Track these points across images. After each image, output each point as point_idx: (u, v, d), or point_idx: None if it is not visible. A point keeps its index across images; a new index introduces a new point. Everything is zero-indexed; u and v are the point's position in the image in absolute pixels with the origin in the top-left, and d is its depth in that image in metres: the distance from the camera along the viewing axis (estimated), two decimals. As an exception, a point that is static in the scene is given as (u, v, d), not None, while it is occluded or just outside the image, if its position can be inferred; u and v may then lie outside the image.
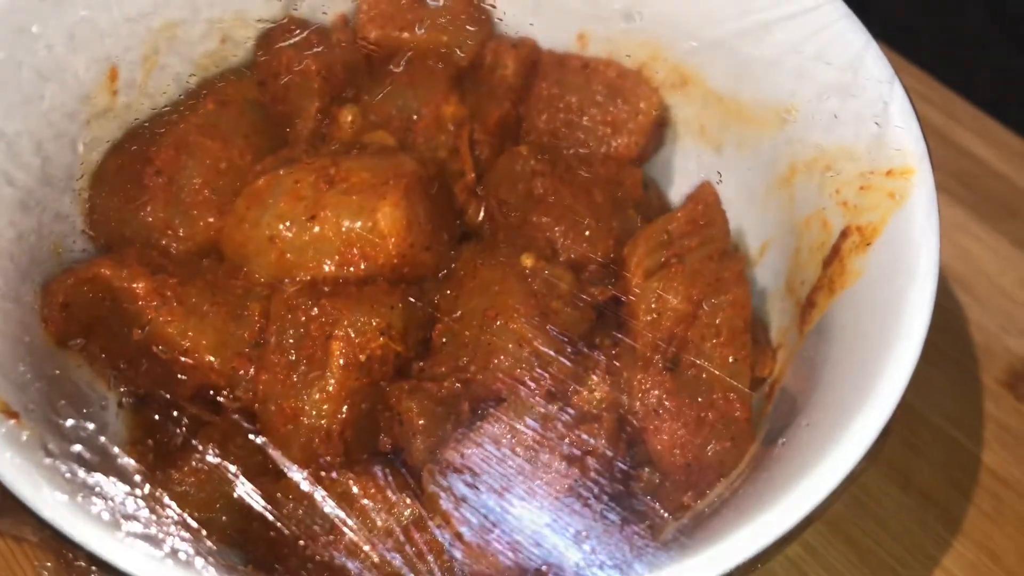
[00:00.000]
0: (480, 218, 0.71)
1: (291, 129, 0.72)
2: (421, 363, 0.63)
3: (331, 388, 0.59)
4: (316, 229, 0.63)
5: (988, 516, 0.68)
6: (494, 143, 0.73)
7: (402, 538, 0.55)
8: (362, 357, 0.60)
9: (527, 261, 0.65)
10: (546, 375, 0.60)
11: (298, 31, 0.74)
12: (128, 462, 0.60)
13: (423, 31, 0.74)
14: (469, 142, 0.72)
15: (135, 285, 0.60)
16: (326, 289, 0.62)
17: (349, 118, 0.71)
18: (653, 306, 0.62)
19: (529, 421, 0.60)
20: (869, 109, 0.59)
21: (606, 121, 0.74)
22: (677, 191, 0.77)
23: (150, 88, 0.69)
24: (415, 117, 0.72)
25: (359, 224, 0.62)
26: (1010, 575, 0.66)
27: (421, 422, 0.60)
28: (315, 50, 0.72)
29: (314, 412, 0.59)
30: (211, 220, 0.66)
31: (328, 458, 0.59)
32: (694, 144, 0.75)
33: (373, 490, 0.57)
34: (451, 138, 0.72)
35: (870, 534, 0.67)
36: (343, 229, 0.62)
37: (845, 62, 0.61)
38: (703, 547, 0.46)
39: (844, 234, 0.59)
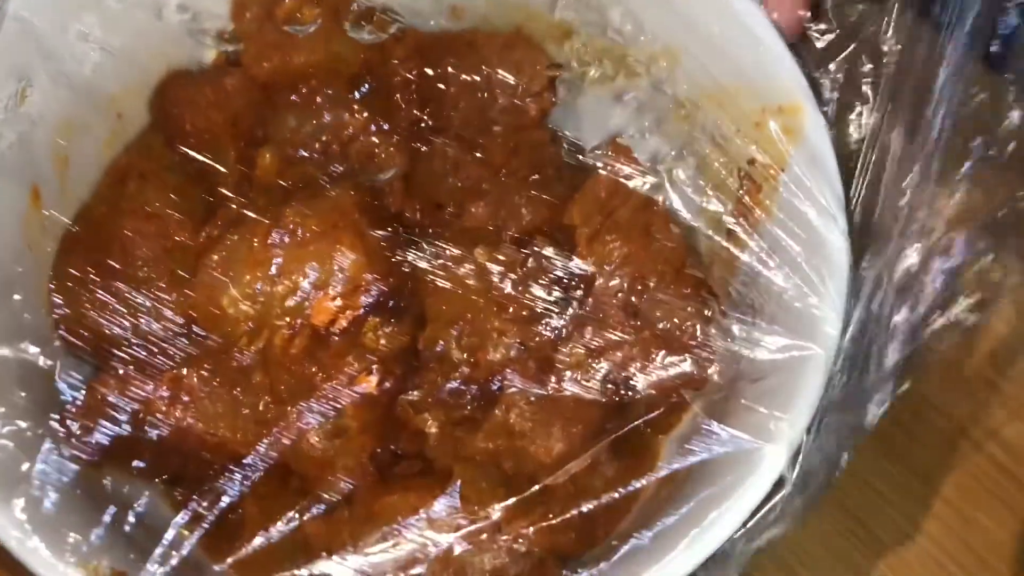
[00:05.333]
0: (419, 221, 0.75)
1: (214, 184, 0.74)
2: (416, 377, 0.70)
3: (350, 429, 0.65)
4: (285, 286, 0.66)
5: (919, 441, 0.76)
6: (408, 144, 0.76)
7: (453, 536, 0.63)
8: (371, 391, 0.66)
9: (480, 257, 0.70)
10: (532, 356, 0.68)
11: (188, 85, 0.74)
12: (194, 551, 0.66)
13: (312, 52, 0.75)
14: (386, 149, 0.75)
15: (143, 397, 0.64)
16: (313, 341, 0.67)
17: (267, 158, 0.73)
18: (602, 268, 0.70)
19: (528, 400, 0.68)
20: (754, 48, 0.65)
21: (507, 92, 0.78)
22: (585, 135, 0.82)
23: (70, 186, 0.70)
24: (327, 140, 0.74)
25: (324, 271, 0.66)
26: (940, 497, 0.74)
27: (435, 428, 0.68)
28: (212, 101, 0.73)
29: (343, 454, 0.65)
30: (178, 301, 0.68)
31: (367, 487, 0.66)
32: (590, 88, 0.80)
33: (418, 504, 0.64)
34: (367, 150, 0.75)
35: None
36: (310, 279, 0.66)
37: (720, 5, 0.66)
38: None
39: (750, 168, 0.67)
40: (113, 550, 0.55)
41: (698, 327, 0.70)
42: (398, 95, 0.76)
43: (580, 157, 0.82)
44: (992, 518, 0.76)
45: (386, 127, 0.75)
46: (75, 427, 0.57)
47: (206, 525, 0.65)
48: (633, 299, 0.70)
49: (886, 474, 0.77)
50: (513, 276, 0.70)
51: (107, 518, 0.55)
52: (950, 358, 0.78)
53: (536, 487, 0.65)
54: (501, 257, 0.70)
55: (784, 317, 0.62)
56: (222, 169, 0.73)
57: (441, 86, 0.76)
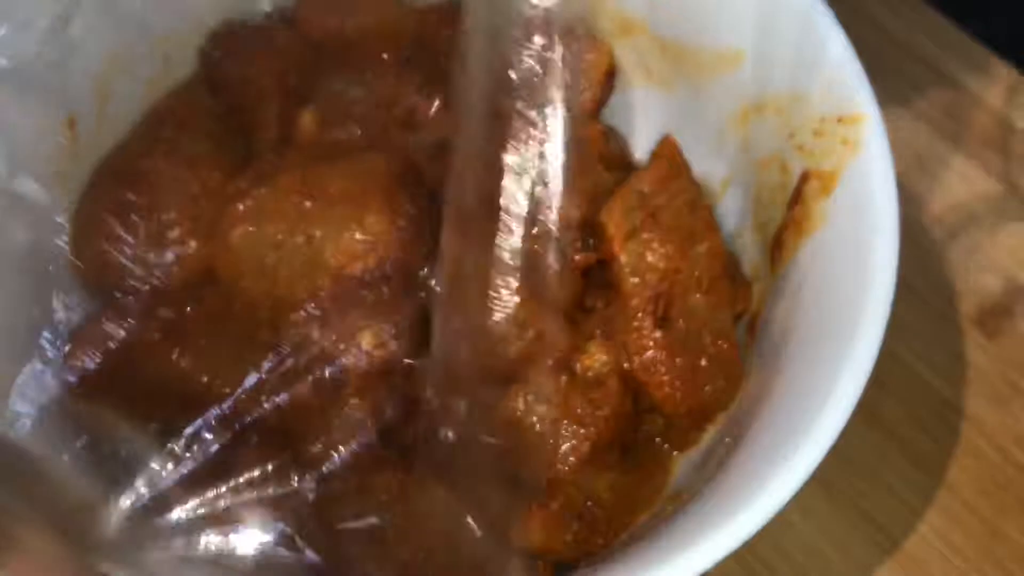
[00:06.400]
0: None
1: (253, 139, 0.73)
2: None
3: (358, 399, 0.63)
4: (307, 247, 0.65)
5: (946, 449, 0.72)
6: (454, 116, 0.74)
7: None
8: (380, 361, 0.63)
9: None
10: (550, 350, 0.65)
11: (240, 36, 0.73)
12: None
13: (367, 16, 0.74)
14: (428, 118, 0.74)
15: (145, 336, 0.62)
16: (329, 304, 0.65)
17: (308, 119, 0.72)
18: (636, 268, 0.66)
19: (540, 395, 0.64)
20: (817, 55, 0.62)
21: (561, 78, 0.76)
22: (636, 134, 0.79)
23: (107, 121, 0.69)
24: (371, 107, 0.73)
25: (348, 236, 0.64)
26: (964, 505, 0.71)
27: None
28: (263, 54, 0.72)
29: (346, 422, 0.63)
30: (198, 250, 0.67)
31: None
32: (645, 87, 0.78)
33: (411, 489, 0.61)
34: (409, 117, 0.73)
35: (833, 467, 0.68)
36: (334, 243, 0.64)
37: (795, 8, 0.63)
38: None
39: (804, 178, 0.63)
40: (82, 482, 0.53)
41: (729, 342, 0.67)
42: (447, 66, 0.75)
43: (628, 153, 0.80)
44: (1019, 528, 0.72)
45: (432, 98, 0.73)
46: (66, 349, 0.56)
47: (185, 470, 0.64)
48: (664, 305, 0.67)
49: (910, 481, 0.73)
50: (540, 265, 0.67)
51: (79, 445, 0.53)
52: (979, 365, 0.74)
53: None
54: (531, 244, 0.68)
55: (821, 337, 0.58)
56: (263, 124, 0.72)
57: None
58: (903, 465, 0.73)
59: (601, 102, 0.78)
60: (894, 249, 0.54)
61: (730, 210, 0.73)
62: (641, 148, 0.80)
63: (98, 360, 0.59)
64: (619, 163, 0.77)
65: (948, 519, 0.72)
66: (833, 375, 0.54)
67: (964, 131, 0.83)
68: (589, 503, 0.62)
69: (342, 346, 0.61)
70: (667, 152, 0.69)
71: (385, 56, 0.74)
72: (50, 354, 0.50)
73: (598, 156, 0.75)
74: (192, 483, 0.64)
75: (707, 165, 0.74)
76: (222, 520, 0.54)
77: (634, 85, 0.78)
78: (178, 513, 0.52)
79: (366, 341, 0.61)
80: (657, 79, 0.77)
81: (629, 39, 0.76)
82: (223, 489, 0.62)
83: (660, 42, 0.74)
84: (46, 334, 0.52)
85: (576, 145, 0.75)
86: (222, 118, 0.73)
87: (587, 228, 0.72)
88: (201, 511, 0.53)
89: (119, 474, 0.52)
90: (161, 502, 0.52)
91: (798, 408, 0.55)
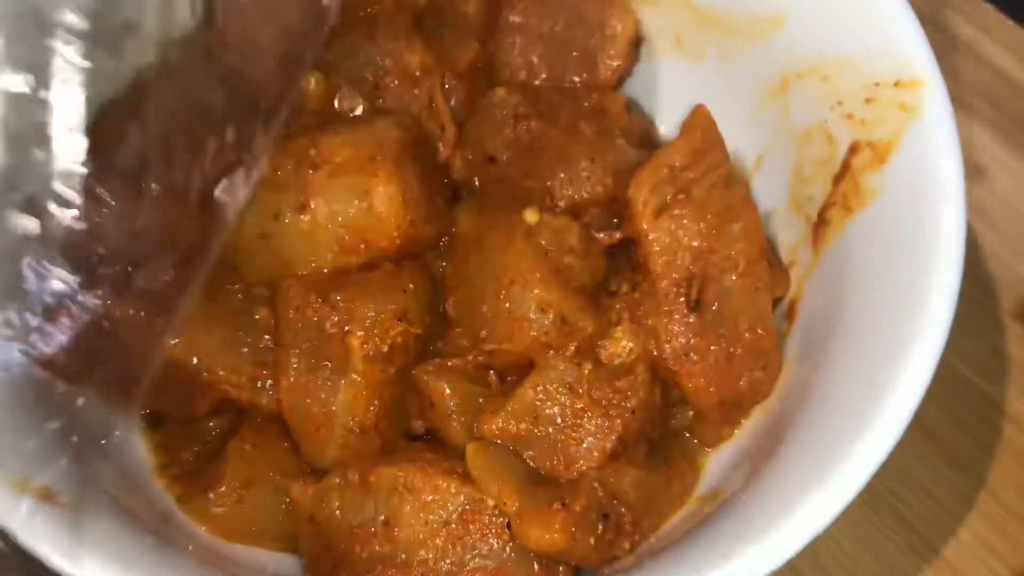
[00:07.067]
0: (466, 174, 0.68)
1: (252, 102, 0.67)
2: (440, 340, 0.62)
3: (358, 385, 0.57)
4: (308, 220, 0.59)
5: (987, 450, 0.68)
6: (467, 89, 0.69)
7: (459, 527, 0.55)
8: (384, 348, 0.58)
9: (531, 217, 0.62)
10: (572, 335, 0.59)
11: (239, -6, 0.68)
12: (158, 491, 0.58)
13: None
14: (442, 91, 0.68)
15: (131, 311, 0.57)
16: (329, 282, 0.59)
17: (313, 83, 0.67)
18: (667, 247, 0.61)
19: (562, 383, 0.59)
20: (869, 14, 0.57)
21: (582, 47, 0.71)
22: (661, 109, 0.74)
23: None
24: (381, 73, 0.68)
25: (353, 208, 0.59)
26: (1006, 509, 0.67)
27: (454, 402, 0.59)
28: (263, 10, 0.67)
29: (345, 412, 0.57)
30: (188, 219, 0.62)
31: (367, 455, 0.58)
32: (672, 57, 0.72)
33: (421, 482, 0.56)
34: (423, 91, 0.68)
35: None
36: (338, 217, 0.59)
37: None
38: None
39: (853, 149, 0.58)
40: (53, 468, 0.47)
41: (767, 330, 0.61)
42: (463, 37, 0.70)
43: (653, 129, 0.74)
44: (1065, 536, 0.67)
45: (445, 67, 0.68)
46: (35, 322, 0.50)
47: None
48: (697, 288, 0.61)
49: (950, 484, 0.68)
50: (562, 245, 0.62)
51: (51, 427, 0.48)
52: (1020, 360, 0.70)
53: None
54: (552, 221, 0.63)
55: (874, 326, 0.53)
56: (264, 88, 0.66)
57: (516, 19, 0.69)
58: (942, 467, 0.69)
59: (624, 73, 0.72)
60: (961, 223, 0.49)
61: (764, 188, 0.68)
62: (666, 124, 0.75)
63: (75, 335, 0.53)
64: (643, 139, 0.71)
65: (989, 524, 0.68)
66: (891, 369, 0.49)
67: (1006, 120, 0.79)
68: (615, 502, 0.56)
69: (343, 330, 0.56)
70: (700, 123, 0.63)
71: (395, 22, 0.68)
72: (17, 327, 0.44)
73: (619, 129, 0.70)
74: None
75: (739, 140, 0.68)
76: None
77: (660, 55, 0.73)
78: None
79: (368, 325, 0.56)
80: (687, 48, 0.71)
81: (656, 5, 0.71)
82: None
83: (691, 7, 0.69)
84: (14, 304, 0.47)
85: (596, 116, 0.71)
86: (220, 80, 0.67)
87: (612, 205, 0.67)
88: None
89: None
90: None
91: (850, 407, 0.50)
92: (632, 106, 0.73)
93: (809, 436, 0.53)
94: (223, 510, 0.57)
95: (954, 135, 0.51)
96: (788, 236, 0.66)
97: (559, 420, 0.58)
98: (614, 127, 0.70)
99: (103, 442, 0.57)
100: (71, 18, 0.49)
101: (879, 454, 0.47)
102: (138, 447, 0.61)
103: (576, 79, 0.71)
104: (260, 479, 0.59)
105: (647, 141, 0.73)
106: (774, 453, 0.54)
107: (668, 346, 0.60)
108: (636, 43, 0.72)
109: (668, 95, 0.74)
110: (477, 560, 0.53)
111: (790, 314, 0.64)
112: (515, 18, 0.71)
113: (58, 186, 0.49)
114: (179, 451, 0.61)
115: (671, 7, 0.70)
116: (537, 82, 0.70)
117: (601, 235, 0.64)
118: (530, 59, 0.70)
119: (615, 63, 0.70)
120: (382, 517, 0.56)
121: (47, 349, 0.46)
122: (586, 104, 0.69)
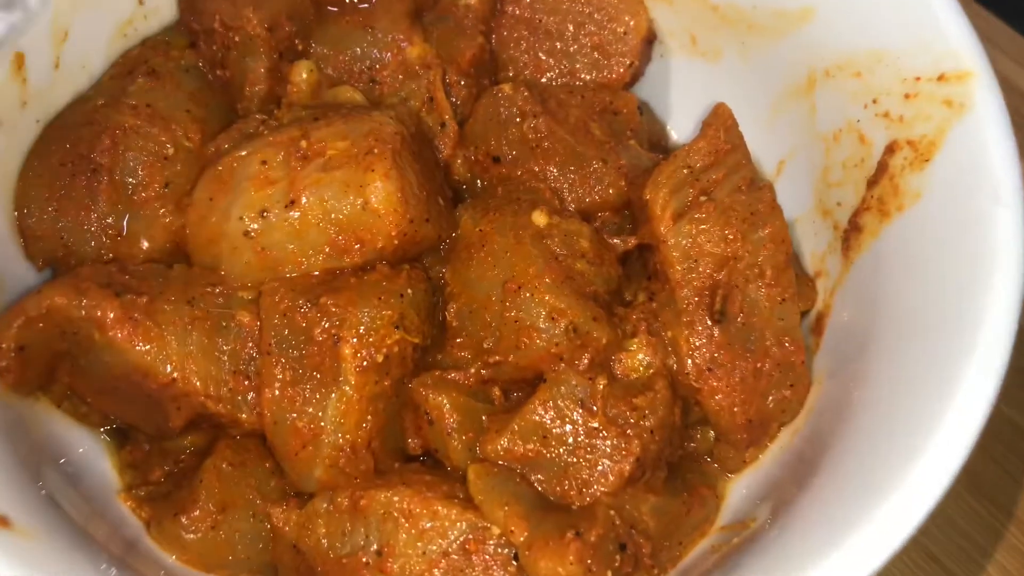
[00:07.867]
0: (467, 174, 0.63)
1: (239, 96, 0.62)
2: (439, 351, 0.56)
3: (349, 398, 0.52)
4: (297, 216, 0.54)
5: (1018, 481, 0.65)
6: (470, 84, 0.64)
7: (460, 558, 0.49)
8: (379, 357, 0.52)
9: (540, 219, 0.57)
10: (585, 347, 0.54)
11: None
12: (124, 514, 0.52)
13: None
14: (443, 87, 0.64)
15: (98, 312, 0.51)
16: (320, 284, 0.54)
17: (304, 75, 0.62)
18: (688, 253, 0.56)
19: (574, 400, 0.54)
20: (907, 4, 0.53)
21: (592, 44, 0.66)
22: (671, 112, 0.70)
23: (65, 68, 0.58)
24: (378, 65, 0.63)
25: (348, 205, 0.54)
26: None
27: (454, 418, 0.54)
28: (252, -1, 0.62)
29: (334, 428, 0.52)
30: (169, 218, 0.57)
31: (357, 478, 0.52)
32: (686, 57, 0.68)
33: (418, 507, 0.50)
34: (422, 85, 0.63)
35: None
36: (330, 213, 0.54)
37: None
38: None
39: (890, 149, 0.54)
40: (8, 491, 0.42)
41: (796, 344, 0.57)
42: (465, 30, 0.65)
43: (664, 133, 0.70)
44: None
45: (446, 62, 0.63)
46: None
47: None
48: (720, 297, 0.57)
49: (973, 514, 0.64)
50: (573, 249, 0.57)
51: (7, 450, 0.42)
52: None
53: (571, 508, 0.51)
54: (563, 224, 0.58)
55: (918, 340, 0.48)
56: (250, 78, 0.61)
57: (522, 13, 0.65)
58: (969, 498, 0.65)
59: (637, 72, 0.68)
60: (1019, 226, 0.44)
61: (787, 195, 0.63)
62: (678, 129, 0.71)
63: (33, 342, 0.48)
64: (653, 143, 0.67)
65: (1018, 559, 0.64)
66: (946, 391, 0.44)
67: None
68: (632, 531, 0.51)
69: (334, 337, 0.50)
70: (721, 121, 0.59)
71: (391, 10, 0.64)
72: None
73: (630, 130, 0.66)
74: None
75: (758, 145, 0.64)
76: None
77: (674, 55, 0.69)
78: None
79: (362, 332, 0.50)
80: (703, 47, 0.67)
81: (671, 3, 0.67)
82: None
83: (709, 3, 0.65)
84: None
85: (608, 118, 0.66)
86: (201, 71, 0.62)
87: (624, 209, 0.63)
88: None
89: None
90: None
91: (902, 432, 0.45)
92: (643, 108, 0.69)
93: (851, 465, 0.48)
94: (196, 536, 0.52)
95: (1008, 130, 0.47)
96: (814, 245, 0.61)
97: (571, 440, 0.53)
98: (625, 128, 0.66)
99: (62, 462, 0.52)
100: None
101: (938, 487, 0.42)
102: (103, 465, 0.55)
103: (586, 77, 0.67)
104: (238, 502, 0.53)
105: (657, 146, 0.69)
106: (808, 483, 0.49)
107: (690, 360, 0.55)
108: (650, 41, 0.68)
109: (681, 97, 0.69)
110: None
111: (818, 328, 0.59)
112: (520, 11, 0.66)
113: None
114: (148, 470, 0.55)
115: (687, 4, 0.66)
116: (544, 80, 0.66)
117: (615, 240, 0.59)
118: (537, 56, 0.66)
119: (627, 62, 0.66)
120: (374, 546, 0.51)
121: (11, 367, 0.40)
122: (596, 104, 0.65)
